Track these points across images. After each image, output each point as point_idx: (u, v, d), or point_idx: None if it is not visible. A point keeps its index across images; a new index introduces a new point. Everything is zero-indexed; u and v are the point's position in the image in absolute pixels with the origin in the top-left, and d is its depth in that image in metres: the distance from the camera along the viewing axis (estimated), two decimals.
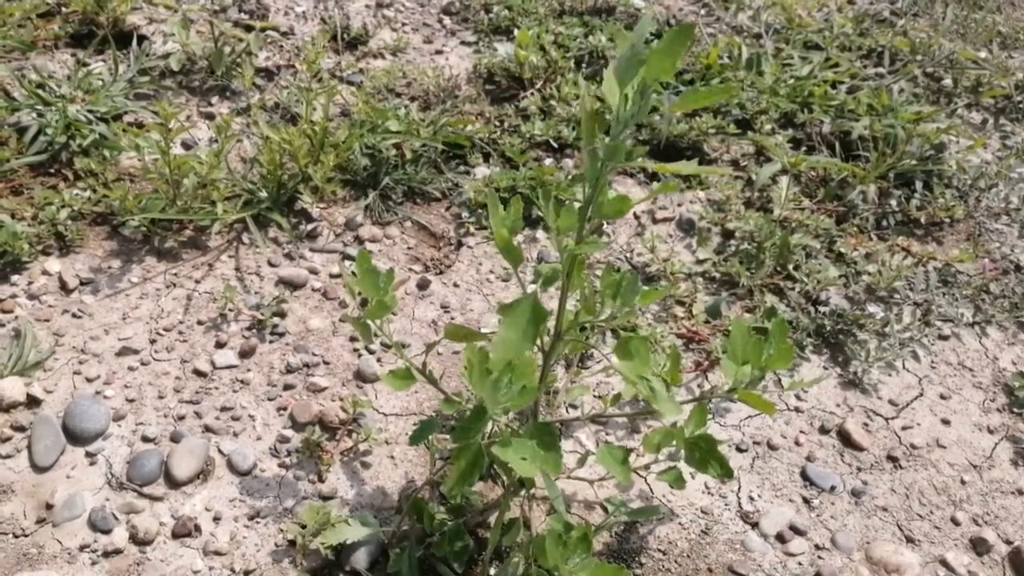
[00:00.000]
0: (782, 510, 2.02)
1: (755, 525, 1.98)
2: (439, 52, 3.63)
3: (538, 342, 1.62)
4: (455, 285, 2.53)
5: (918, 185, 3.03)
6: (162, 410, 2.05)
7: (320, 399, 2.12)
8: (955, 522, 2.06)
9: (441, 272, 2.57)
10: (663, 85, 3.41)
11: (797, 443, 2.20)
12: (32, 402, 2.01)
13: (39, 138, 2.63)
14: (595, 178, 1.28)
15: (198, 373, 2.15)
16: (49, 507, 1.81)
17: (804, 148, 3.19)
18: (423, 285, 2.50)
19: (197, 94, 3.12)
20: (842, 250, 2.74)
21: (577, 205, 1.36)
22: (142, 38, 3.27)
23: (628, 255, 2.70)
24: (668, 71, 1.14)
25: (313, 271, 2.49)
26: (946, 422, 2.32)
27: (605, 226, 2.76)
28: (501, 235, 1.47)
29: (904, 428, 2.28)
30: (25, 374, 2.07)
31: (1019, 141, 3.54)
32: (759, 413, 2.25)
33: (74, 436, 1.95)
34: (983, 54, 4.02)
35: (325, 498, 1.91)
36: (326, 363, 2.23)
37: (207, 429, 2.02)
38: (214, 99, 3.11)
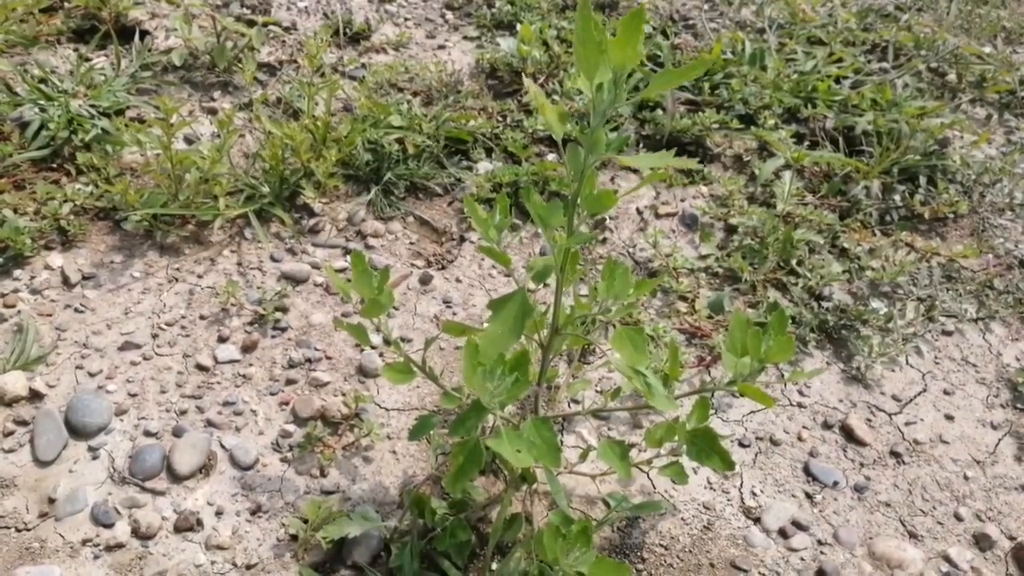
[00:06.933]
0: (784, 505, 2.01)
1: (757, 520, 1.98)
2: (441, 47, 3.62)
3: (537, 337, 1.62)
4: (457, 280, 2.53)
5: (922, 180, 3.02)
6: (164, 404, 2.05)
7: (322, 394, 2.12)
8: (958, 518, 2.06)
9: (443, 267, 2.57)
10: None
11: (800, 438, 2.19)
12: (34, 396, 2.02)
13: (41, 133, 2.63)
14: (579, 172, 1.28)
15: (200, 368, 2.15)
16: (51, 501, 1.82)
17: (807, 143, 3.18)
18: (425, 280, 2.50)
19: (199, 89, 3.12)
20: (845, 245, 2.73)
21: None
22: (144, 33, 3.27)
23: (631, 250, 2.69)
24: (632, 58, 1.13)
25: (315, 266, 2.49)
26: (949, 418, 2.31)
27: (608, 221, 2.76)
28: (487, 240, 1.47)
29: (907, 424, 2.27)
30: (27, 368, 2.07)
31: (1023, 136, 3.52)
32: (761, 408, 2.25)
33: (76, 430, 1.95)
34: (987, 49, 4.00)
35: (327, 493, 1.91)
36: (328, 358, 2.23)
37: (209, 424, 2.03)
38: (216, 94, 3.11)
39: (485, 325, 2.36)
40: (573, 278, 1.53)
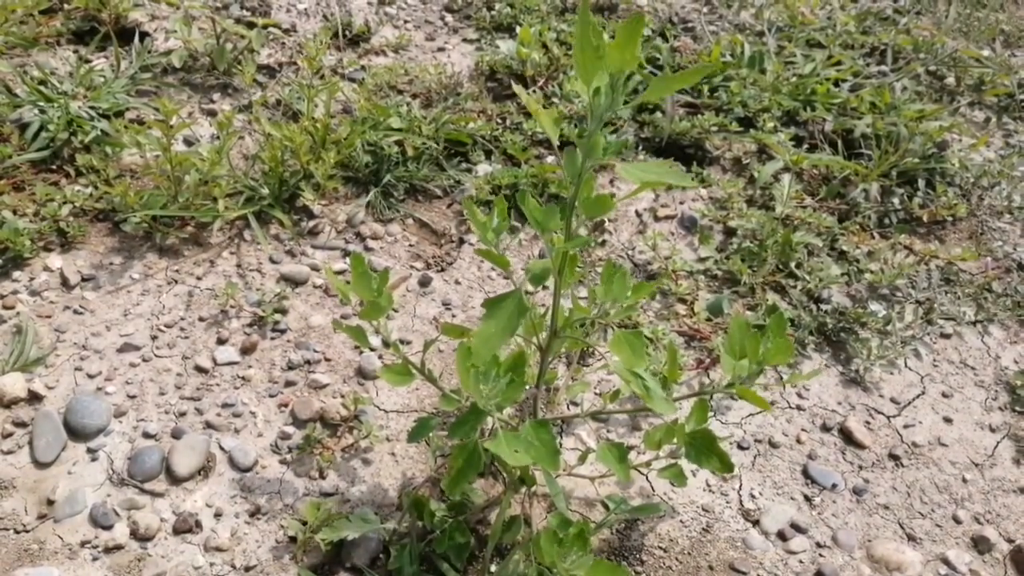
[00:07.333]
0: (783, 508, 2.01)
1: (756, 523, 1.98)
2: (441, 49, 3.62)
3: (535, 339, 1.63)
4: (457, 282, 2.53)
5: (920, 183, 3.03)
6: (163, 406, 2.05)
7: (321, 396, 2.12)
8: (957, 520, 2.06)
9: (443, 269, 2.57)
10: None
11: (799, 441, 2.19)
12: (33, 398, 2.02)
13: (41, 134, 2.64)
14: (576, 175, 1.28)
15: (199, 369, 2.15)
16: (50, 503, 1.82)
17: (806, 146, 3.18)
18: (425, 282, 2.50)
19: (199, 91, 3.12)
20: (844, 248, 2.73)
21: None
22: (144, 35, 3.27)
23: (630, 253, 2.70)
24: (630, 62, 1.13)
25: (314, 268, 2.49)
26: (948, 420, 2.31)
27: (606, 223, 2.76)
28: (485, 243, 1.47)
29: (906, 426, 2.27)
30: (26, 370, 2.07)
31: (1022, 139, 3.53)
32: (760, 411, 2.25)
33: (75, 432, 1.95)
34: (986, 52, 4.01)
35: (326, 495, 1.91)
36: (327, 360, 2.23)
37: (208, 425, 2.03)
38: (216, 96, 3.11)
39: None
40: (571, 280, 1.54)
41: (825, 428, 2.24)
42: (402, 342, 2.30)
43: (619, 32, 1.12)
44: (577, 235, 1.39)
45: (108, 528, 1.78)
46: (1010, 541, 2.03)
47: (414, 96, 3.22)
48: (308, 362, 2.21)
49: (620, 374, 1.44)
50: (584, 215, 1.33)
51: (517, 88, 1.29)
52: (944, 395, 2.39)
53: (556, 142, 1.28)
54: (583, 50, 1.14)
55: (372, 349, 2.27)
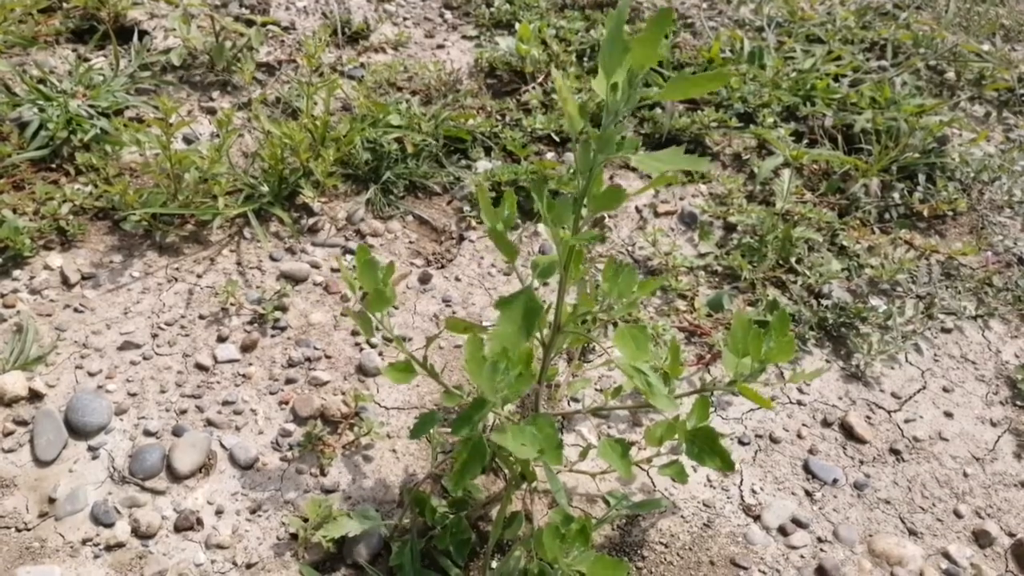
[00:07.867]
0: (784, 503, 2.01)
1: (757, 518, 1.98)
2: (440, 46, 3.62)
3: (538, 335, 1.62)
4: (457, 279, 2.53)
5: (921, 178, 3.02)
6: (164, 404, 2.05)
7: (322, 393, 2.12)
8: (958, 515, 2.06)
9: (443, 266, 2.57)
10: (663, 79, 3.40)
11: (799, 436, 2.19)
12: (34, 396, 2.02)
13: (40, 133, 2.63)
14: (588, 170, 1.28)
15: (200, 367, 2.15)
16: (51, 501, 1.82)
17: (806, 141, 3.18)
18: (425, 279, 2.50)
19: (198, 89, 3.12)
20: (844, 243, 2.73)
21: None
22: (143, 33, 3.27)
23: (630, 248, 2.70)
24: (652, 58, 1.14)
25: (314, 265, 2.49)
26: (949, 415, 2.31)
27: (607, 219, 2.76)
28: (494, 232, 1.47)
29: (907, 421, 2.27)
30: (27, 368, 2.07)
31: (1022, 134, 3.53)
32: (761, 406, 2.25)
33: (76, 430, 1.95)
34: (986, 47, 4.00)
35: (327, 491, 1.91)
36: (328, 357, 2.23)
37: (209, 423, 2.03)
38: (215, 94, 3.11)
39: (486, 323, 2.36)
40: (577, 276, 1.53)
41: (826, 423, 2.24)
42: (403, 339, 2.30)
43: (647, 27, 1.12)
44: (586, 230, 1.39)
45: (109, 526, 1.78)
46: (1011, 535, 2.03)
47: (413, 93, 3.22)
48: (308, 359, 2.21)
49: (623, 369, 1.44)
50: (594, 210, 1.33)
51: (555, 73, 1.29)
52: (945, 390, 2.39)
53: (578, 131, 1.27)
54: (613, 43, 1.14)
55: (373, 345, 2.27)
